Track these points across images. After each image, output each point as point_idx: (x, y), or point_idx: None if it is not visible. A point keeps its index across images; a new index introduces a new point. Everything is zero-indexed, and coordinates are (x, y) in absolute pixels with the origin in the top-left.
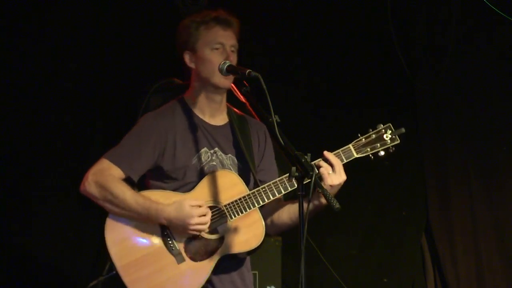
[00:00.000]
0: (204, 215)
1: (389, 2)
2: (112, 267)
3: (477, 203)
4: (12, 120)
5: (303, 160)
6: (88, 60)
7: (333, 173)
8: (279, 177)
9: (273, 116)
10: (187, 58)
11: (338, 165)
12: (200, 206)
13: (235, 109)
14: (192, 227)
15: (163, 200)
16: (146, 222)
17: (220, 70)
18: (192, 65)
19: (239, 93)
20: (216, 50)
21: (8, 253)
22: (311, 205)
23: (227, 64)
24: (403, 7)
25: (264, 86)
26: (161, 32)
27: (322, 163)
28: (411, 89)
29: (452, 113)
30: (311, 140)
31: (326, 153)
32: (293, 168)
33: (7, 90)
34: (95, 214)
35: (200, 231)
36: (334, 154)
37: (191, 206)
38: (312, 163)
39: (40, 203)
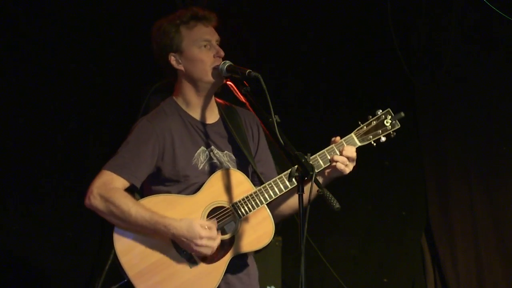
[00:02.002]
0: (214, 239)
1: (389, 3)
2: (124, 275)
3: (477, 203)
4: (12, 120)
5: (303, 160)
6: (88, 61)
7: (350, 163)
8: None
9: (273, 116)
10: (173, 60)
11: (353, 155)
12: (210, 228)
13: (221, 101)
14: (198, 249)
15: (167, 209)
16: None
17: (220, 70)
18: (180, 67)
19: (239, 93)
20: (204, 47)
21: (8, 253)
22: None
23: (227, 64)
24: (403, 8)
25: (264, 86)
26: None
27: (338, 157)
28: (411, 89)
29: (452, 113)
30: (310, 140)
31: (345, 149)
32: (293, 168)
33: (7, 90)
34: (94, 214)
35: (205, 254)
36: (337, 144)
37: (201, 226)
38: (324, 153)
39: (40, 203)
